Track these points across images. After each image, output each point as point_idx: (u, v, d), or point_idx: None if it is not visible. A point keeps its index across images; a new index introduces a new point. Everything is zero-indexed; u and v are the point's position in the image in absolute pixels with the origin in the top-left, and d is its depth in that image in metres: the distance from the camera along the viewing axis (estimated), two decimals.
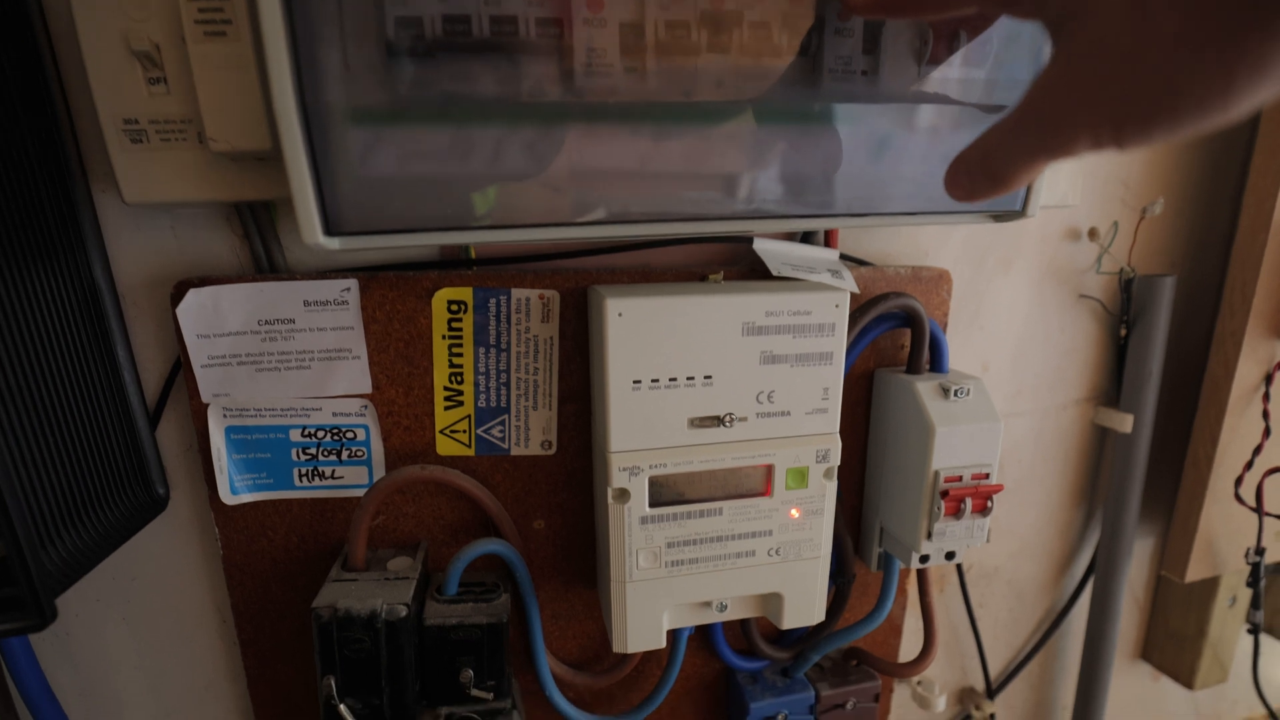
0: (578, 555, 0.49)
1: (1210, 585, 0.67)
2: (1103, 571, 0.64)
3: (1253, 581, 0.60)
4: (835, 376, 0.40)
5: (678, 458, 0.39)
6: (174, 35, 0.33)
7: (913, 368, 0.47)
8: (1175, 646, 0.71)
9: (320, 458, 0.44)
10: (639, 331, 0.37)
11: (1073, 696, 0.71)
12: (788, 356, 0.39)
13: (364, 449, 0.44)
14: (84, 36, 0.33)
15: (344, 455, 0.44)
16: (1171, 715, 0.82)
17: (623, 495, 0.39)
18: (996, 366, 0.59)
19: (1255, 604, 0.62)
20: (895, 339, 0.50)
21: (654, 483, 0.39)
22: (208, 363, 0.40)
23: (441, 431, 0.45)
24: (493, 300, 0.42)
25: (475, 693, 0.43)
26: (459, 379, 0.44)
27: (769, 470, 0.41)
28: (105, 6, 0.32)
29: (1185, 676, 0.71)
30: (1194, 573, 0.61)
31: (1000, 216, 0.41)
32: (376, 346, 0.42)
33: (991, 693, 0.69)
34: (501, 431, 0.45)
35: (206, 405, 0.41)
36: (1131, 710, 0.79)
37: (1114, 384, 0.62)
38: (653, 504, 0.40)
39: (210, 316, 0.40)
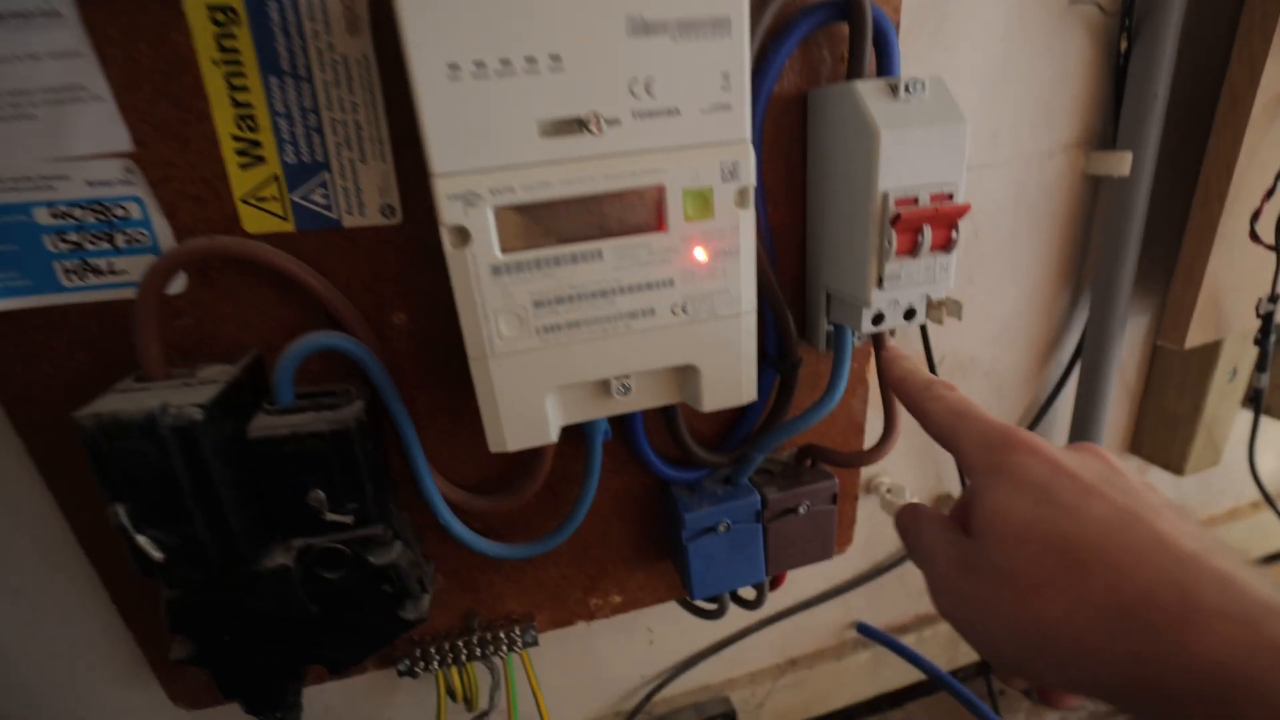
0: (458, 355, 0.40)
1: (1210, 356, 0.59)
2: (1092, 349, 0.56)
3: (1261, 338, 0.52)
4: (738, 54, 0.30)
5: (530, 179, 0.29)
6: None
7: (854, 71, 0.37)
8: (1167, 431, 0.64)
9: (87, 246, 0.33)
10: None
11: None
12: (666, 24, 0.28)
13: (144, 230, 0.34)
14: None
15: (119, 241, 0.34)
16: None
17: (462, 236, 0.29)
18: (967, 100, 0.48)
19: (1261, 365, 0.55)
20: (834, 47, 0.39)
21: (502, 216, 0.29)
22: None
23: (244, 200, 0.34)
24: (273, 4, 0.31)
25: (330, 517, 0.35)
26: (251, 124, 0.33)
27: (659, 194, 0.31)
28: None
29: (1175, 462, 0.64)
30: (1195, 336, 0.52)
31: None
32: (123, 81, 0.31)
33: None
34: (325, 196, 0.35)
35: None
36: None
37: (1110, 123, 0.52)
38: (505, 248, 0.30)
39: None
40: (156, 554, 0.30)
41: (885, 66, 0.38)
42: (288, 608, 0.36)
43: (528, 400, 0.33)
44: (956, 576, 0.25)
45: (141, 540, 0.30)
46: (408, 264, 0.37)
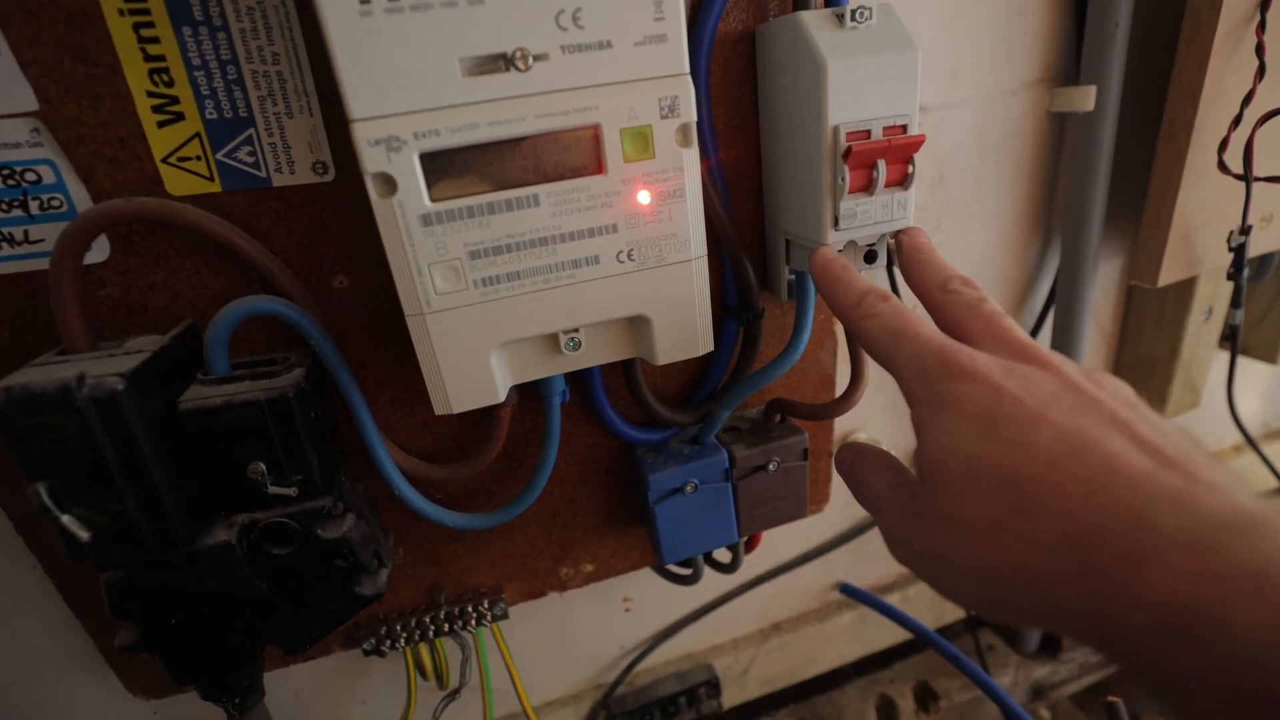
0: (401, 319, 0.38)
1: (1184, 296, 0.58)
2: (1065, 293, 0.55)
3: (1235, 272, 0.51)
4: None
5: (455, 120, 0.27)
6: None
7: (800, 3, 0.35)
8: (1144, 374, 0.63)
9: None
10: None
11: None
12: None
13: (59, 195, 0.32)
14: None
15: (33, 208, 0.32)
16: None
17: (387, 184, 0.27)
18: (925, 37, 0.46)
19: (1235, 301, 0.54)
20: None
21: (428, 161, 0.28)
22: None
23: (165, 160, 0.32)
24: None
25: (273, 490, 0.33)
26: (166, 79, 0.31)
27: (595, 134, 0.29)
28: None
29: (1154, 404, 0.63)
30: (1168, 274, 0.51)
31: None
32: (21, 35, 0.29)
33: None
34: (251, 154, 0.33)
35: None
36: None
37: (1073, 58, 0.50)
38: (434, 196, 0.28)
39: None
40: (83, 533, 0.29)
41: None
42: (234, 587, 0.34)
43: (471, 358, 0.31)
44: (907, 524, 0.24)
45: (66, 520, 0.29)
46: (346, 224, 0.36)
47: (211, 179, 0.33)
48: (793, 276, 0.42)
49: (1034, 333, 0.60)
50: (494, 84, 0.27)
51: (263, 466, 0.33)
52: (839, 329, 0.48)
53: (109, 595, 0.33)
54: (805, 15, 0.33)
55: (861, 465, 0.28)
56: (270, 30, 0.31)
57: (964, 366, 0.23)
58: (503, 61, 0.27)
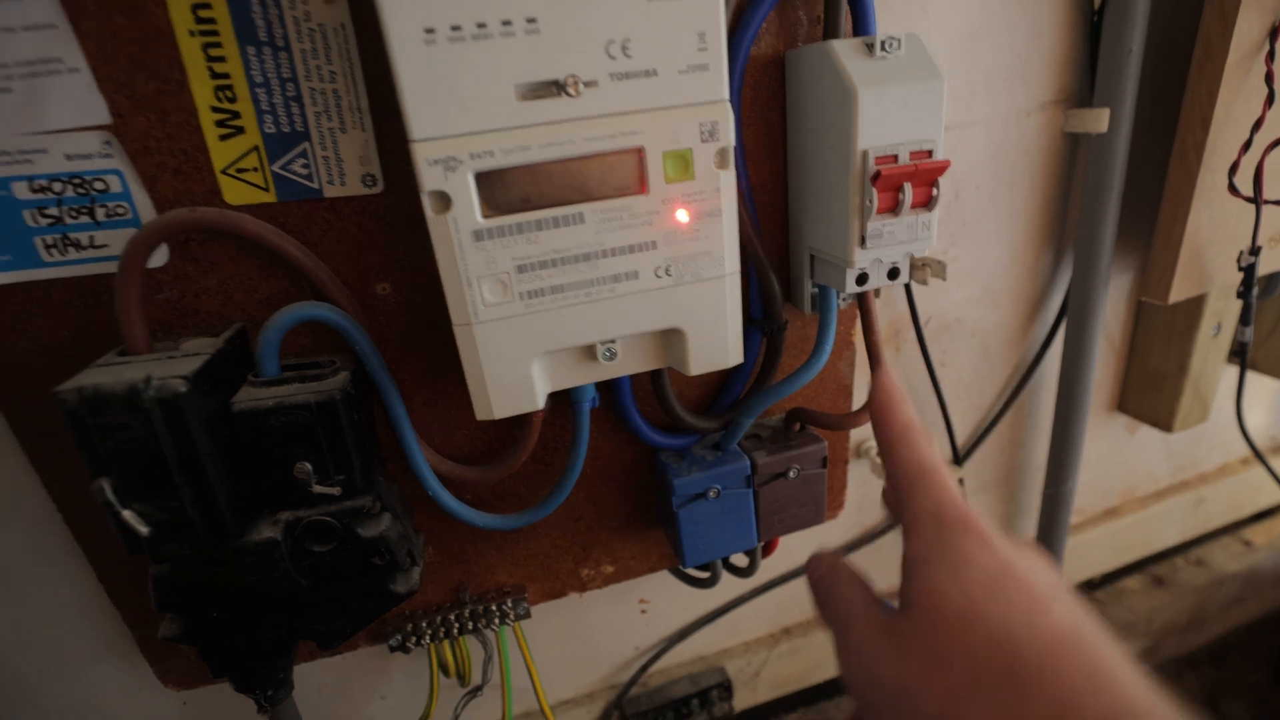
0: (443, 325, 0.40)
1: (1193, 312, 0.60)
2: (1077, 308, 0.56)
3: (1244, 290, 0.52)
4: (714, 14, 0.30)
5: (509, 143, 0.29)
6: None
7: (830, 31, 0.37)
8: (1154, 388, 0.65)
9: (67, 220, 0.33)
10: None
11: (1045, 457, 0.66)
12: None
13: (125, 203, 0.34)
14: None
15: (99, 215, 0.34)
16: (1147, 468, 0.78)
17: (443, 202, 0.29)
18: (944, 61, 0.48)
19: (1245, 319, 0.55)
20: (810, 8, 0.39)
21: (483, 180, 0.29)
22: None
23: (224, 171, 0.34)
24: None
25: (318, 489, 0.35)
26: (229, 95, 0.33)
27: (639, 156, 0.31)
28: None
29: (1164, 419, 0.65)
30: (1179, 291, 0.53)
31: None
32: (100, 53, 0.31)
33: (959, 459, 0.63)
34: (306, 166, 0.35)
35: None
36: (1106, 466, 0.75)
37: (1086, 80, 0.52)
38: (486, 213, 0.30)
39: None
40: (143, 528, 0.30)
41: (861, 27, 0.38)
42: (276, 582, 0.36)
43: (513, 367, 0.33)
44: (876, 648, 0.23)
45: (127, 515, 0.30)
46: (391, 234, 0.37)
47: (267, 189, 0.35)
48: (816, 290, 0.43)
49: (1045, 346, 0.62)
50: (546, 108, 0.29)
51: (309, 466, 0.34)
52: (858, 340, 0.50)
53: (156, 588, 0.35)
54: (837, 44, 0.34)
55: (837, 576, 0.27)
56: (329, 50, 0.33)
57: (980, 529, 0.23)
58: (555, 87, 0.29)
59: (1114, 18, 0.47)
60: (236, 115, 0.33)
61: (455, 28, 0.27)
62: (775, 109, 0.40)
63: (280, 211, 0.35)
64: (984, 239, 0.55)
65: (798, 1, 0.38)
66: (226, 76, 0.32)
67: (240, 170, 0.34)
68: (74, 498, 0.38)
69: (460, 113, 0.28)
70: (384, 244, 0.37)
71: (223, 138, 0.33)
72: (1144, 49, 0.47)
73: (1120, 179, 0.51)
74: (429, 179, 0.28)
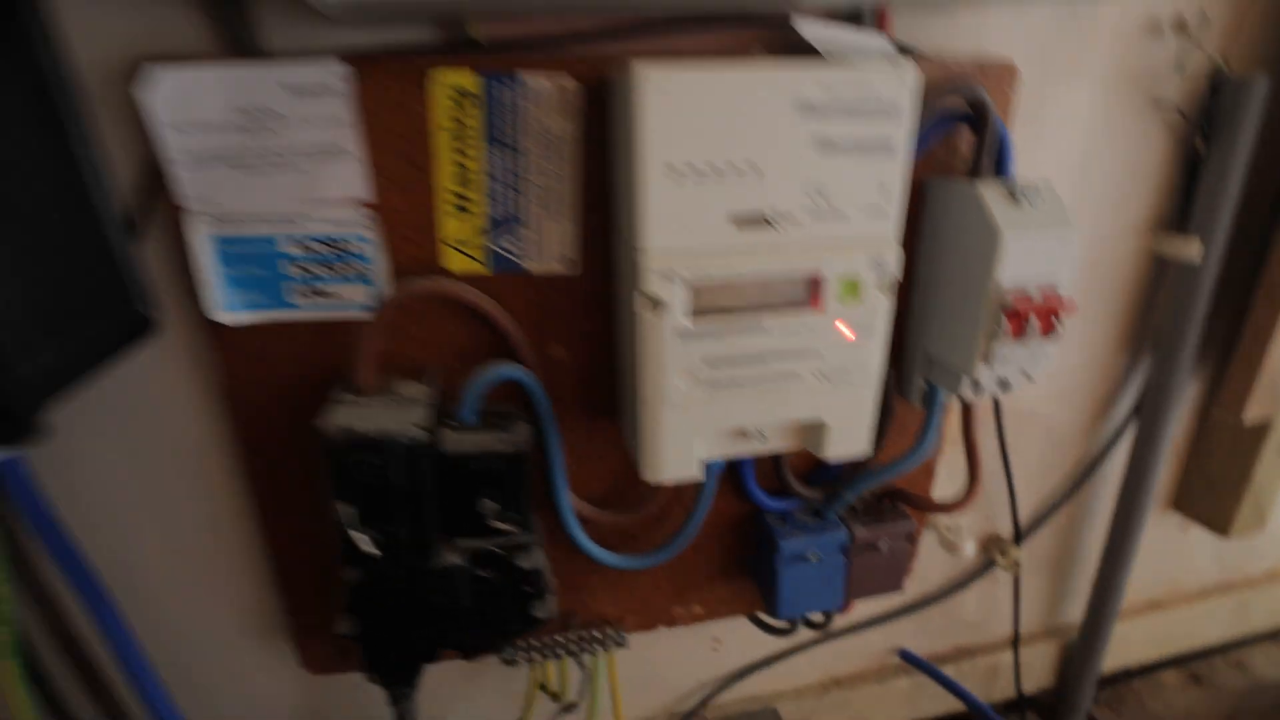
0: (598, 388, 0.45)
1: (1260, 429, 0.64)
2: (1149, 416, 0.61)
3: None
4: (896, 171, 0.35)
5: (720, 262, 0.34)
6: None
7: (975, 170, 0.42)
8: (1213, 494, 0.69)
9: (317, 273, 0.39)
10: (678, 110, 0.32)
11: (1098, 547, 0.70)
12: (845, 143, 0.34)
13: (367, 264, 0.40)
14: None
15: (347, 272, 0.39)
16: (1196, 566, 0.82)
17: (657, 304, 0.35)
18: (1054, 183, 0.53)
19: None
20: (948, 147, 0.44)
21: (692, 290, 0.35)
22: (183, 160, 0.35)
23: (447, 243, 0.40)
24: (505, 89, 0.37)
25: (497, 525, 0.40)
26: (466, 181, 0.39)
27: (819, 280, 0.36)
28: None
29: (1220, 524, 0.69)
30: (1253, 412, 0.57)
31: None
32: (373, 143, 0.37)
33: (1019, 538, 0.68)
34: (516, 245, 0.40)
35: (185, 212, 0.36)
36: (1155, 561, 0.78)
37: (1180, 210, 0.57)
38: (692, 316, 0.35)
39: (181, 104, 0.34)
40: (373, 550, 0.36)
41: (999, 167, 0.43)
42: (450, 600, 0.41)
43: (684, 442, 0.38)
44: None
45: (359, 537, 0.36)
46: (573, 308, 0.43)
47: (483, 262, 0.40)
48: (925, 386, 0.48)
49: (1112, 444, 0.66)
50: (753, 236, 0.35)
51: (495, 504, 0.40)
52: (949, 430, 0.54)
53: (351, 594, 0.40)
54: (984, 189, 0.39)
55: None
56: (557, 157, 0.39)
57: None
58: (764, 221, 0.34)
59: (1215, 164, 0.51)
60: (468, 199, 0.39)
61: (696, 170, 0.33)
62: (907, 225, 0.45)
63: (490, 281, 0.41)
64: (1067, 344, 0.60)
65: (941, 144, 0.44)
66: (467, 168, 0.38)
67: (461, 243, 0.40)
68: (272, 496, 0.44)
69: (685, 233, 0.34)
70: (566, 315, 0.43)
71: (453, 216, 0.39)
72: (1242, 189, 0.52)
73: (1205, 304, 0.56)
74: (651, 285, 0.34)
